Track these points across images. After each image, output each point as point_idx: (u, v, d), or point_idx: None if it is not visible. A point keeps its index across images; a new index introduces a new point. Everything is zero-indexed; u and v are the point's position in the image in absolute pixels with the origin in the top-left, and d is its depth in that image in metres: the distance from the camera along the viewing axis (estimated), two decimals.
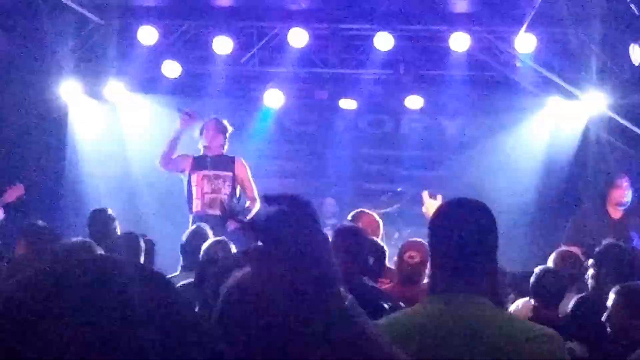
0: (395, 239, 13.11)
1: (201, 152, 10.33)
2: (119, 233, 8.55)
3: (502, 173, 13.34)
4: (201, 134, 10.37)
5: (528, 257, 8.43)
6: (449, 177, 14.08)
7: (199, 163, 10.19)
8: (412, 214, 13.92)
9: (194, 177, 10.14)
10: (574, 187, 12.98)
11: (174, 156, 10.31)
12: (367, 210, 8.57)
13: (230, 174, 10.22)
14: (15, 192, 10.95)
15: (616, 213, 9.88)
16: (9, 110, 12.04)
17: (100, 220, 8.74)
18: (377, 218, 8.32)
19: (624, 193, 9.84)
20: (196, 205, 10.10)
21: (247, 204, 10.21)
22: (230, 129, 10.52)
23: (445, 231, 3.21)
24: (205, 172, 10.13)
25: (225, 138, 10.40)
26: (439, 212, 3.38)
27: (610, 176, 10.37)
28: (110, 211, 8.93)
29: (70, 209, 12.64)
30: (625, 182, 9.93)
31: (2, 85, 11.82)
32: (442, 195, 7.96)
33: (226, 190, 10.10)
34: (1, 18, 11.24)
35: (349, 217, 8.34)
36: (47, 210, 12.34)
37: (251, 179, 10.34)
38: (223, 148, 10.37)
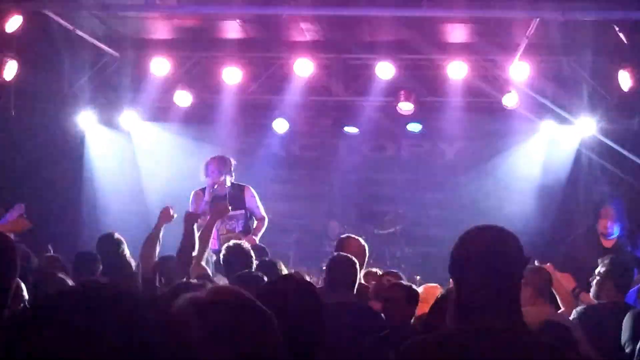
0: (397, 259, 13.54)
1: (210, 188, 10.12)
2: (127, 255, 8.60)
3: (498, 194, 13.64)
4: (207, 174, 10.17)
5: None
6: (448, 199, 14.44)
7: (214, 204, 9.81)
8: (413, 235, 14.34)
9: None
10: (567, 207, 13.25)
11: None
12: (353, 236, 8.34)
13: (243, 211, 10.15)
14: (15, 212, 11.10)
15: (607, 242, 9.87)
16: (29, 139, 12.30)
17: (105, 245, 8.62)
18: (362, 242, 8.05)
19: (607, 224, 9.79)
20: (213, 244, 9.55)
21: (255, 224, 10.24)
22: (233, 162, 10.31)
23: (477, 260, 3.14)
24: None
25: (230, 172, 10.18)
26: (469, 240, 3.24)
27: (599, 205, 10.38)
28: (117, 235, 8.79)
29: (87, 232, 12.75)
30: (609, 213, 9.87)
31: (23, 115, 12.00)
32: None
33: (240, 227, 10.10)
34: (21, 51, 11.41)
35: (334, 243, 8.31)
36: (66, 233, 12.65)
37: (259, 204, 10.31)
38: (230, 181, 10.21)
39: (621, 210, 10.01)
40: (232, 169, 10.24)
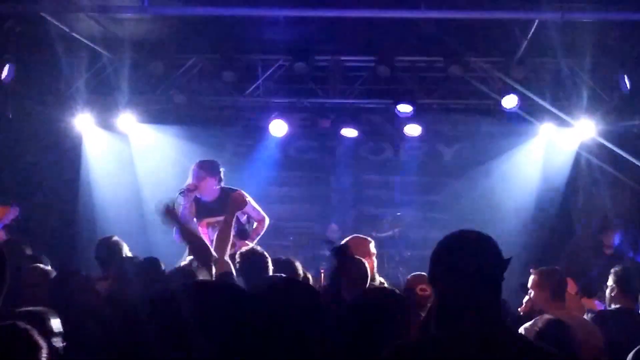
0: (396, 261, 13.48)
1: (184, 192, 9.47)
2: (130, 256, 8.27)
3: (497, 197, 13.62)
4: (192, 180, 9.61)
5: (524, 274, 8.70)
6: (447, 202, 14.40)
7: (202, 210, 9.64)
8: (412, 237, 14.27)
9: (199, 225, 9.66)
10: (566, 210, 13.23)
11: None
12: (360, 236, 8.21)
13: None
14: (11, 214, 10.97)
15: (609, 250, 10.05)
16: (26, 141, 12.29)
17: (104, 247, 8.37)
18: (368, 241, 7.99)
19: (612, 239, 10.00)
20: None
21: (255, 225, 9.86)
22: (220, 168, 9.74)
23: (458, 265, 3.19)
24: (209, 219, 9.56)
25: (215, 176, 9.65)
26: (447, 245, 3.31)
27: (605, 221, 10.44)
28: (115, 238, 8.52)
29: (83, 234, 12.84)
30: (616, 229, 10.09)
31: (20, 117, 11.98)
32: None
33: (232, 232, 9.73)
34: (19, 53, 11.39)
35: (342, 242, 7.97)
36: (62, 234, 12.67)
37: (255, 205, 9.84)
38: (218, 185, 9.68)
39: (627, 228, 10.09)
40: (218, 172, 9.74)
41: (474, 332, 3.10)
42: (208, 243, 9.49)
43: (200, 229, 9.58)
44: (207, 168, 9.63)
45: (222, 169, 9.77)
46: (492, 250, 3.24)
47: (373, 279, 7.10)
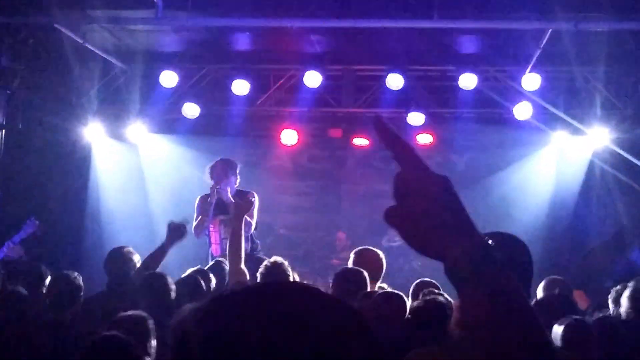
0: (405, 271, 13.44)
1: (213, 189, 9.88)
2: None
3: (510, 206, 13.55)
4: (212, 177, 9.96)
5: (537, 283, 8.66)
6: None
7: (216, 207, 9.89)
8: None
9: (212, 222, 9.98)
10: (579, 218, 13.16)
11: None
12: (370, 248, 8.17)
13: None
14: (29, 228, 10.94)
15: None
16: (36, 150, 12.23)
17: (114, 259, 8.19)
18: (381, 255, 7.97)
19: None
20: (215, 250, 9.97)
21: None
22: (238, 165, 10.17)
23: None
24: (222, 217, 9.87)
25: (235, 175, 10.04)
26: None
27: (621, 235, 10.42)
28: (127, 249, 8.37)
29: (92, 244, 12.77)
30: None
31: (30, 126, 11.97)
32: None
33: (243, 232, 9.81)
34: (31, 63, 11.41)
35: (352, 254, 8.03)
36: (71, 245, 12.66)
37: (255, 212, 9.80)
38: (235, 185, 10.04)
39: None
40: (238, 172, 10.11)
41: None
42: (218, 240, 9.68)
43: (212, 226, 9.91)
44: (230, 165, 10.01)
45: (239, 166, 10.14)
46: (522, 248, 3.37)
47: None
